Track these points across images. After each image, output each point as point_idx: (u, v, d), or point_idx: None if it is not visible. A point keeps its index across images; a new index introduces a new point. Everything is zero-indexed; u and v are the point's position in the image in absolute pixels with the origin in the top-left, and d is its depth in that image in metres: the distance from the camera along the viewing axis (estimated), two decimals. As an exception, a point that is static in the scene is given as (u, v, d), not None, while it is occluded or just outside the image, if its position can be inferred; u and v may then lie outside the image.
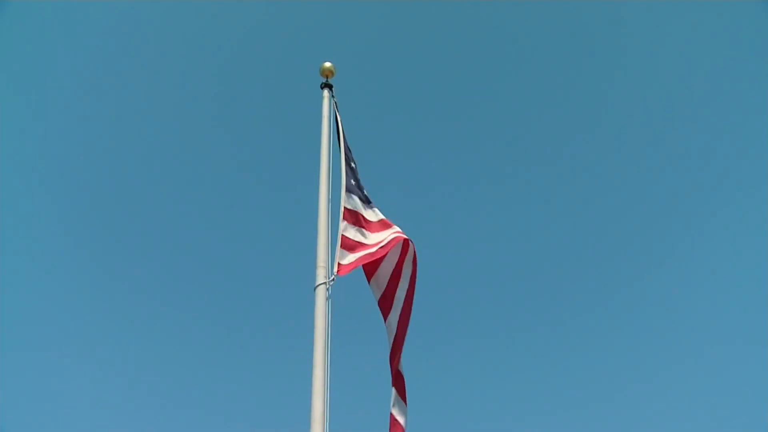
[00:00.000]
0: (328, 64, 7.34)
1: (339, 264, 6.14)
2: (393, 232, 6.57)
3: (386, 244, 6.47)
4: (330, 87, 7.27)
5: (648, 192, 19.93)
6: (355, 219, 6.59)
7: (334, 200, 6.53)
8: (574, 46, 20.95)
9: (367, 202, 6.85)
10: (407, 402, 6.40)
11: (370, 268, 6.70)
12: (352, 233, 6.49)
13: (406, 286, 6.69)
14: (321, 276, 5.87)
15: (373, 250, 6.40)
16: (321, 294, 5.77)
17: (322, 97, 7.19)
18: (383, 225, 6.71)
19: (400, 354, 6.51)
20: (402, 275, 6.72)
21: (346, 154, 7.00)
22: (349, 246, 6.37)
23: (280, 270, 18.98)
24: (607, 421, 16.86)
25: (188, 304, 18.96)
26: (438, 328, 18.78)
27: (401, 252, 6.67)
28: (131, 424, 15.71)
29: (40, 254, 17.77)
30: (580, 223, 20.48)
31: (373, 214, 6.77)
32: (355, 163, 7.14)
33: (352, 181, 6.83)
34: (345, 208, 6.51)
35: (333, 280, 5.93)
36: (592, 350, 18.73)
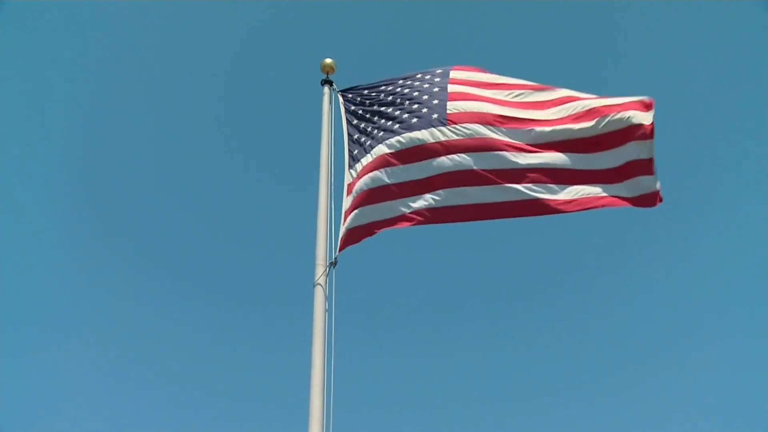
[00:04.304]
0: (328, 61, 7.30)
1: (341, 239, 5.92)
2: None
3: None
4: (330, 83, 7.22)
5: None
6: (362, 173, 6.24)
7: (336, 198, 6.42)
8: (573, 45, 20.96)
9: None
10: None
11: None
12: (358, 189, 6.14)
13: None
14: (320, 273, 5.82)
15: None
16: (320, 291, 5.73)
17: (322, 94, 7.12)
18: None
19: None
20: None
21: (349, 132, 6.75)
22: (355, 204, 6.06)
23: (281, 267, 18.96)
24: (606, 422, 16.83)
25: (187, 302, 18.96)
26: (436, 328, 18.77)
27: None
28: (129, 422, 15.71)
29: (40, 254, 17.79)
30: (579, 222, 20.46)
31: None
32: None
33: (356, 150, 6.51)
34: (349, 184, 6.29)
35: (335, 262, 5.82)
36: (591, 350, 18.72)
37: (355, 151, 6.53)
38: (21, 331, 16.37)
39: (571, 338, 18.65)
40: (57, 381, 16.32)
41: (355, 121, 6.84)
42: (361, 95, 7.00)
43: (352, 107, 6.97)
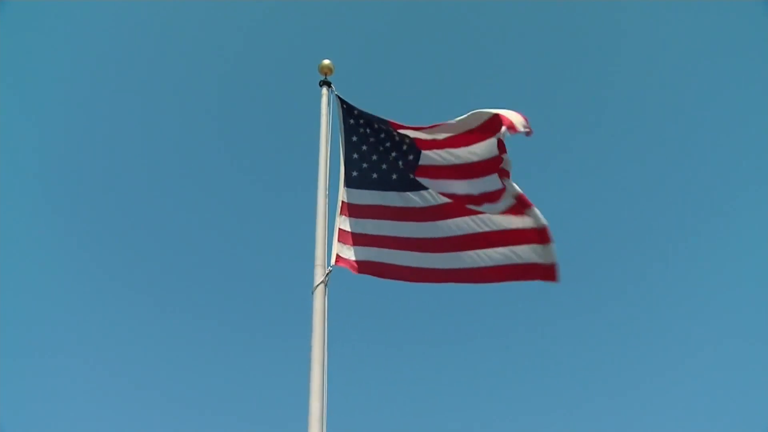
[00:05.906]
0: (326, 62, 7.27)
1: (338, 255, 6.13)
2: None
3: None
4: (329, 84, 7.19)
5: (647, 191, 19.90)
6: (359, 211, 6.46)
7: (333, 198, 6.46)
8: (574, 46, 20.94)
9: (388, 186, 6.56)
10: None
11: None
12: (352, 226, 6.39)
13: None
14: (319, 275, 5.83)
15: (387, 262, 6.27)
16: (319, 293, 5.73)
17: (320, 95, 7.10)
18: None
19: None
20: None
21: (346, 147, 6.81)
22: (349, 239, 6.29)
23: (280, 269, 18.96)
24: (607, 422, 16.83)
25: (187, 304, 18.96)
26: (438, 330, 18.76)
27: None
28: (130, 423, 15.71)
29: (40, 254, 17.79)
30: (578, 222, 20.45)
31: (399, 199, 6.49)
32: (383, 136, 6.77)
33: (355, 173, 6.65)
34: (343, 202, 6.45)
35: (330, 271, 5.90)
36: (591, 351, 18.71)
37: (354, 173, 6.63)
38: (21, 333, 16.39)
39: (572, 339, 18.66)
40: (57, 381, 16.35)
41: (354, 138, 6.86)
42: (356, 117, 6.99)
43: (351, 121, 6.95)
